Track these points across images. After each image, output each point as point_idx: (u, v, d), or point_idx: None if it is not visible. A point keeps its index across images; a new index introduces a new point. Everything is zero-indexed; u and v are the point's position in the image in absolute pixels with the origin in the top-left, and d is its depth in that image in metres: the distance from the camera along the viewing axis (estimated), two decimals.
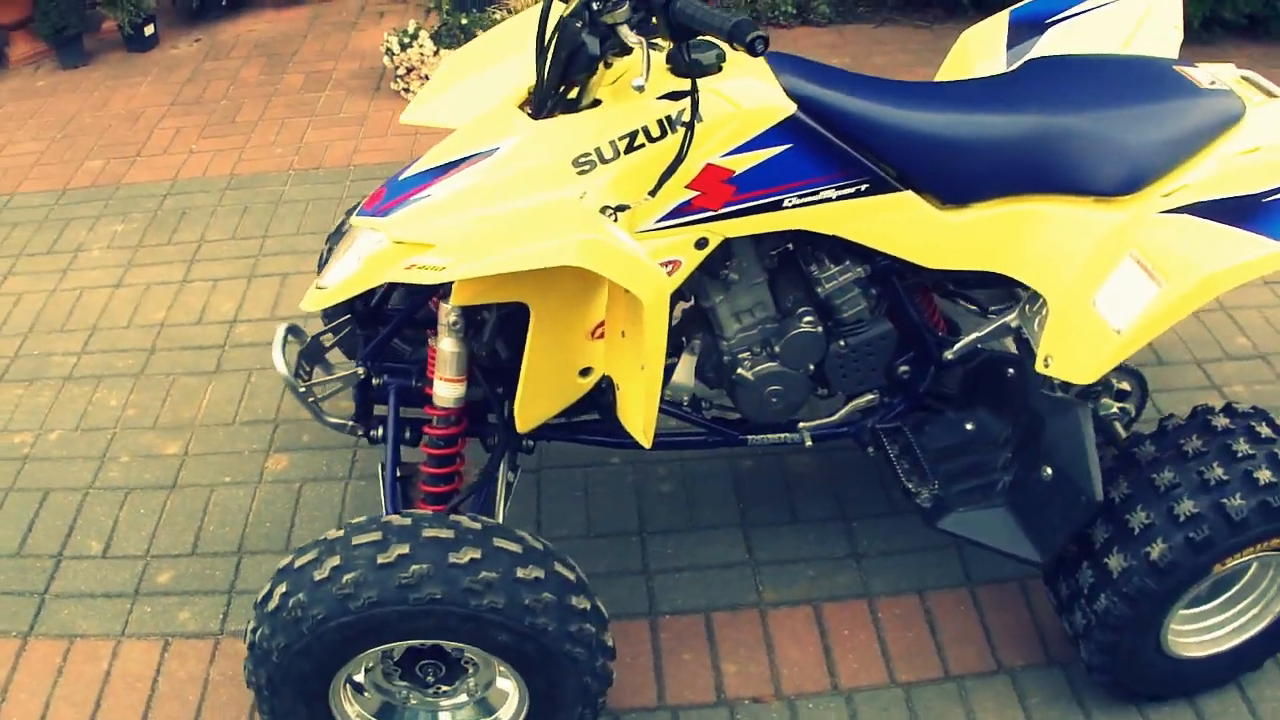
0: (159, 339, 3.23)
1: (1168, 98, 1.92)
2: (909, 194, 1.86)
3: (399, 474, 2.07)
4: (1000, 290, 2.20)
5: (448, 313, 1.84)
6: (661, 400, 2.13)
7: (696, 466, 2.64)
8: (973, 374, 2.15)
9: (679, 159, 1.71)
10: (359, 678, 1.84)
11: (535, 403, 1.86)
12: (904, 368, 2.11)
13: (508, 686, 1.87)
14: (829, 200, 1.83)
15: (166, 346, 3.20)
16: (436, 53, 4.34)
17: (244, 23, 5.35)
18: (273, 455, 2.80)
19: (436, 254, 1.61)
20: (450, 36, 4.39)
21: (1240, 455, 1.79)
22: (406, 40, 4.36)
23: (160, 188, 3.99)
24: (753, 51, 1.46)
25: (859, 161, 1.82)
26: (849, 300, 2.00)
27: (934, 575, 2.34)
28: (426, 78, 4.35)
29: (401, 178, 1.81)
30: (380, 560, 1.62)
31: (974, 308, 2.28)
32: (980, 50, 2.27)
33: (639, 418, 1.73)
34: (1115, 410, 2.22)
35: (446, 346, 1.86)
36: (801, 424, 2.16)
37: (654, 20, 1.60)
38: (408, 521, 1.69)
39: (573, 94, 1.78)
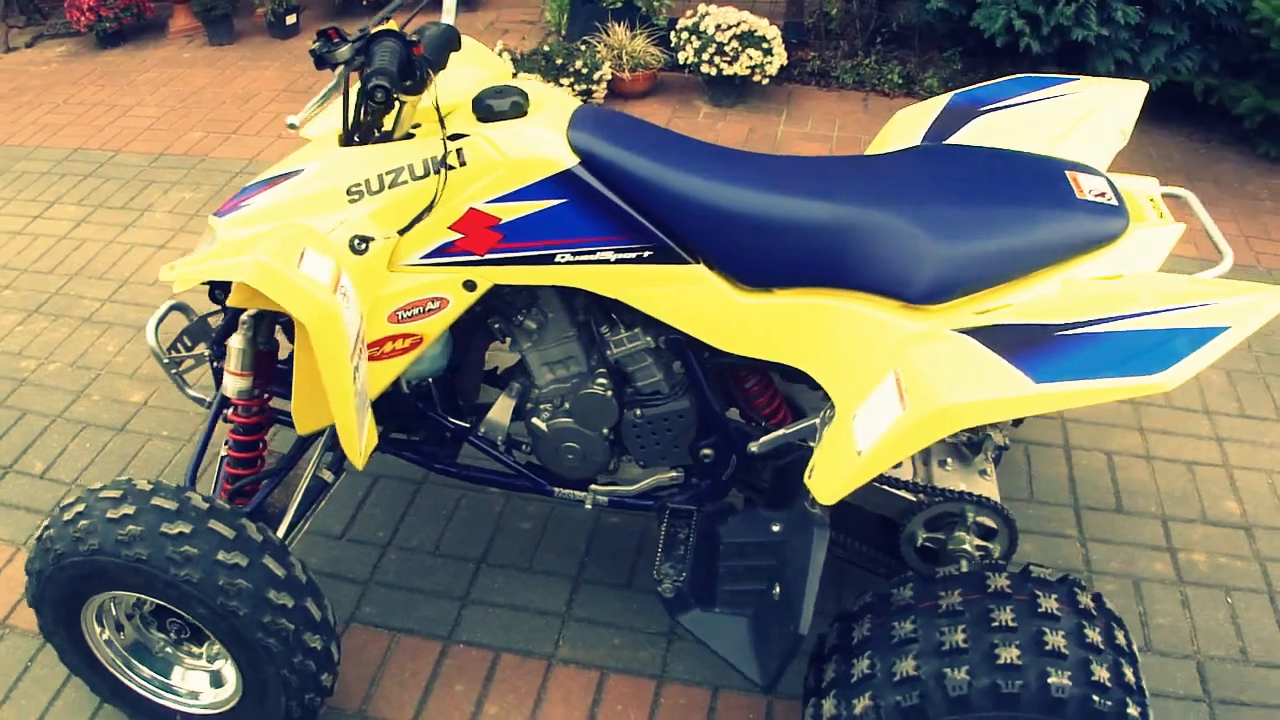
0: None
1: (1028, 205, 1.74)
2: (700, 269, 1.79)
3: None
4: None
5: (245, 313, 1.95)
6: (476, 436, 2.16)
7: (567, 512, 2.62)
8: (783, 472, 2.05)
9: (432, 202, 1.74)
10: (115, 612, 2.00)
11: (307, 408, 1.93)
12: (706, 451, 2.04)
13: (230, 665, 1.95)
14: (606, 262, 1.80)
15: None
16: (515, 75, 4.51)
17: None
18: None
19: (185, 258, 1.72)
20: (531, 62, 4.54)
21: (996, 625, 1.58)
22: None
23: (237, 165, 4.36)
24: (371, 98, 1.48)
25: (643, 227, 1.77)
26: (642, 369, 1.95)
27: (739, 677, 2.22)
28: None
29: (247, 185, 1.95)
30: (109, 515, 1.79)
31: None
32: (902, 131, 2.15)
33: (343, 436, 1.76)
34: (970, 548, 2.03)
35: (234, 343, 1.96)
36: (594, 486, 2.12)
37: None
38: (146, 488, 1.82)
39: (388, 126, 1.85)
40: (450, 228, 1.79)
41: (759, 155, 1.89)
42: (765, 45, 4.53)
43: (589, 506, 2.12)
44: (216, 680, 2.02)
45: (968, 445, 2.13)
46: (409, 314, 1.85)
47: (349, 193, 1.78)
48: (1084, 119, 2.01)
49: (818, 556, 1.70)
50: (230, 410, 2.09)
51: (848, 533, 2.12)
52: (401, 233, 1.78)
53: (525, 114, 1.80)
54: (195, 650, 2.04)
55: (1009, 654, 1.53)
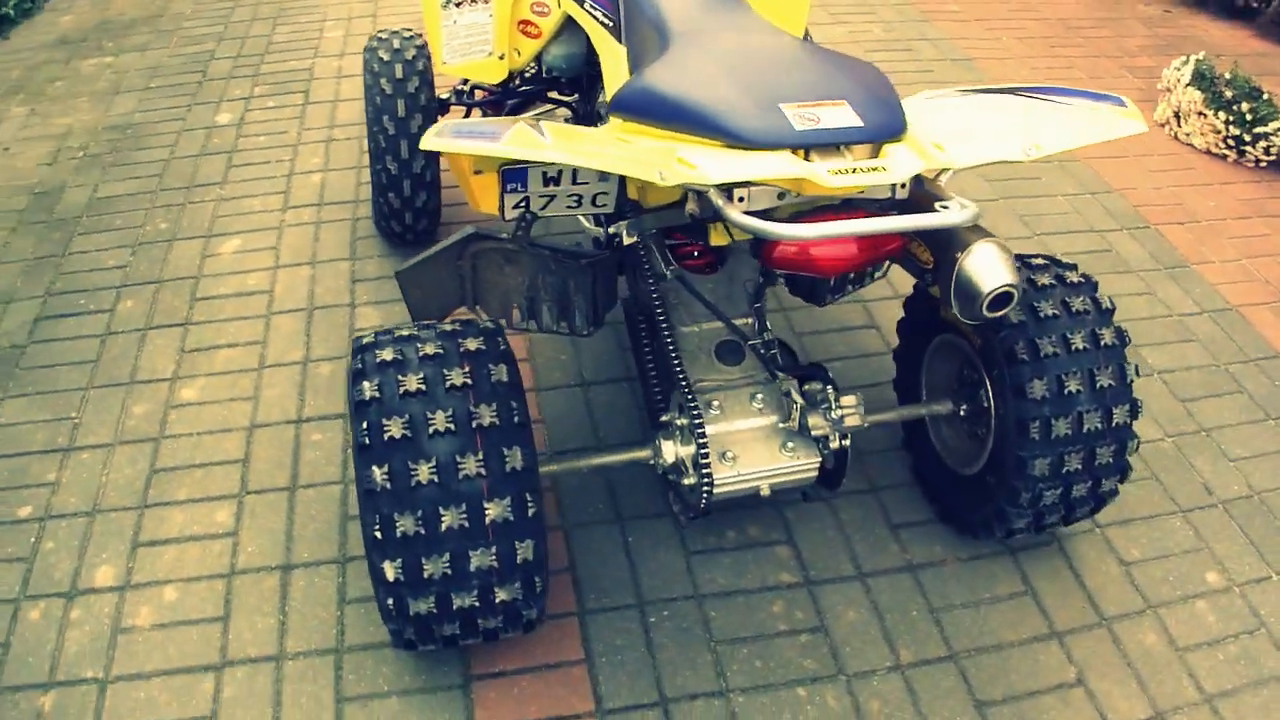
0: None
1: (744, 91, 1.72)
2: (624, 51, 2.14)
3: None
4: None
5: None
6: None
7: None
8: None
9: None
10: None
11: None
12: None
13: None
14: (596, 19, 2.29)
15: None
16: (1187, 86, 4.19)
17: None
18: None
19: None
20: (1205, 82, 4.14)
21: (445, 376, 1.79)
22: (1180, 67, 4.30)
23: None
24: None
25: (618, 6, 2.20)
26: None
27: None
28: (1174, 116, 4.22)
29: None
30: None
31: None
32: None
33: None
34: (666, 449, 2.06)
35: None
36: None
37: None
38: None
39: None
40: None
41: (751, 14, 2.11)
42: None
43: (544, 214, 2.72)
44: None
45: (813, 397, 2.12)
46: (537, 10, 2.64)
47: None
48: (1033, 122, 1.81)
49: (449, 240, 2.11)
50: None
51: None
52: None
53: None
54: None
55: (411, 382, 1.78)
